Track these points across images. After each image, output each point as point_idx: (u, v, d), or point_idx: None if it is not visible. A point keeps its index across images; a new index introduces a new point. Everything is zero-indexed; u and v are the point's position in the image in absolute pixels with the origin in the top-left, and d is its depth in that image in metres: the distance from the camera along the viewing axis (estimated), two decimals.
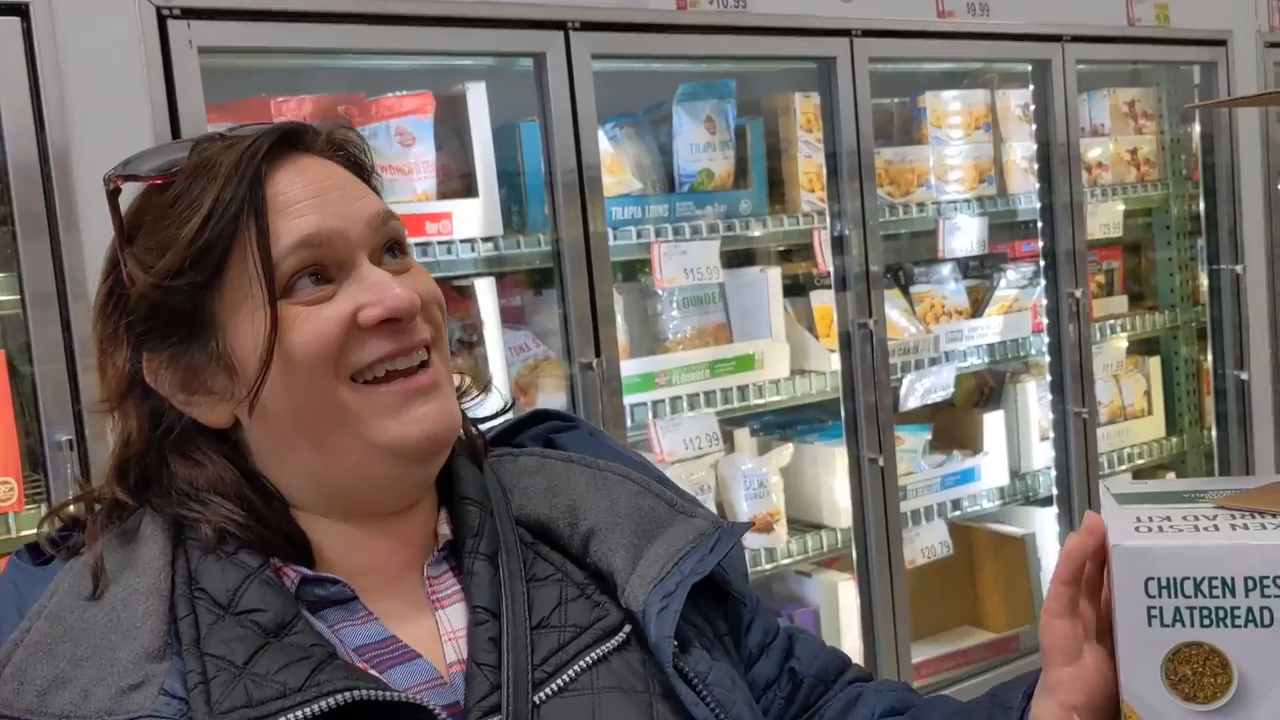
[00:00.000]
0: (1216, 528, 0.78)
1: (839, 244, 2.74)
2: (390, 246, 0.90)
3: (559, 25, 2.29)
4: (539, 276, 2.59)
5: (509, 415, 1.10)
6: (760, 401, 2.75)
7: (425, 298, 0.88)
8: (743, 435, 2.89)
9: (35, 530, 0.94)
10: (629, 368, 2.50)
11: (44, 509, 1.84)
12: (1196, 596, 0.75)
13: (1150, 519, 0.80)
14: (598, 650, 0.88)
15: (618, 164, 2.59)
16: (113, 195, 0.88)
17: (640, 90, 2.78)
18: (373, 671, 0.85)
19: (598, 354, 2.33)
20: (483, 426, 1.04)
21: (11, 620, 0.84)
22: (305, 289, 0.85)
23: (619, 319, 2.62)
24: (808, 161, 2.80)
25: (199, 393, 0.87)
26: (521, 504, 0.96)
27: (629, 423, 2.48)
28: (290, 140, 0.89)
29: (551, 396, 2.44)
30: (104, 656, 0.80)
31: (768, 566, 2.74)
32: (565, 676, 0.87)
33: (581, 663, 0.87)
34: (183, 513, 0.87)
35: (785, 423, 3.10)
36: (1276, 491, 0.83)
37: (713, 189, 2.73)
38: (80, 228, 1.78)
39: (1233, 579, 0.75)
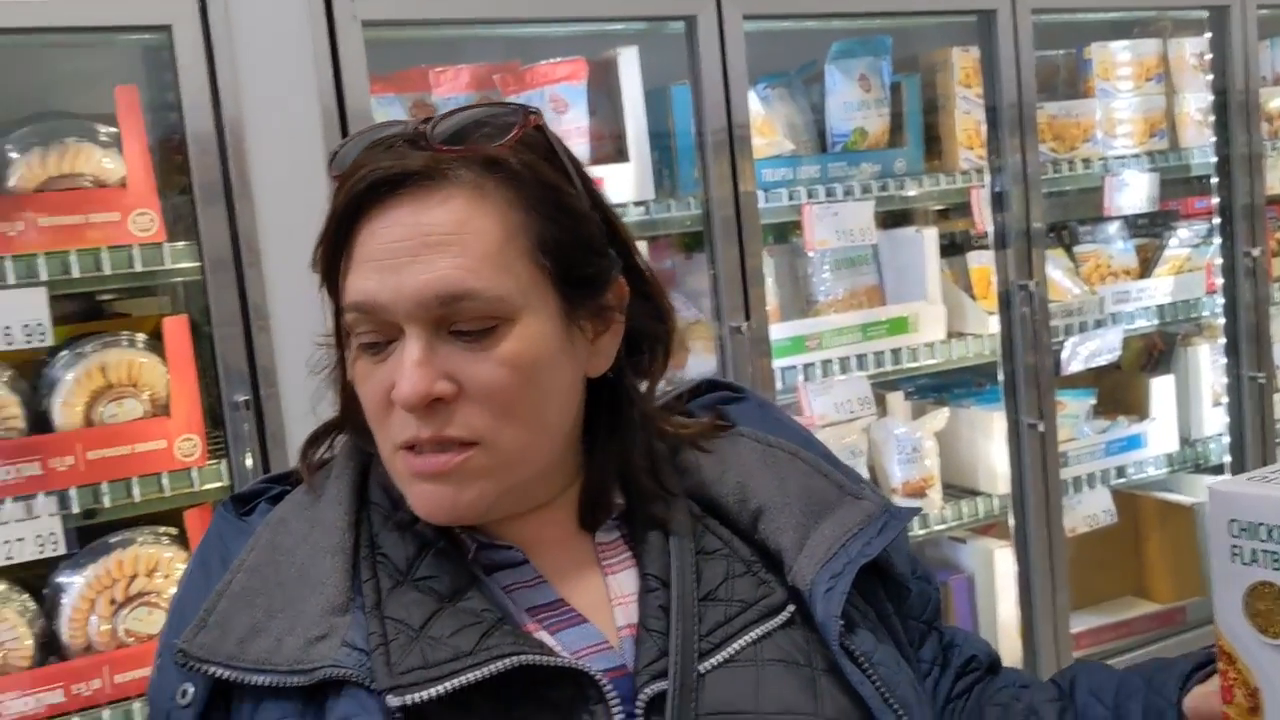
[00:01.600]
0: None
1: (998, 202, 2.67)
2: (456, 326, 0.85)
3: None
4: (690, 239, 2.60)
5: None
6: (914, 365, 2.70)
7: (469, 387, 0.84)
8: (896, 399, 2.85)
9: (222, 484, 1.01)
10: (779, 331, 2.50)
11: (224, 466, 1.96)
12: (1268, 541, 0.82)
13: (1272, 473, 0.86)
14: (763, 626, 0.89)
15: (769, 125, 2.57)
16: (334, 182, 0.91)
17: (792, 50, 2.75)
18: (543, 633, 0.88)
19: (747, 317, 2.33)
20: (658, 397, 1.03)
21: (216, 571, 0.90)
22: (367, 342, 0.86)
23: (769, 281, 2.61)
24: (966, 118, 2.73)
25: None
26: (694, 478, 0.97)
27: (779, 386, 2.47)
28: (399, 182, 0.84)
29: (701, 359, 2.45)
30: (294, 609, 0.86)
31: (921, 532, 2.70)
32: (731, 649, 0.87)
33: (747, 636, 0.88)
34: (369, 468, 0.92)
35: (941, 386, 3.04)
36: None
37: (866, 148, 2.69)
38: (253, 196, 1.88)
39: None
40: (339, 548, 0.88)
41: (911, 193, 2.70)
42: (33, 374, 1.97)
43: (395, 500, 0.91)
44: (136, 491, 1.92)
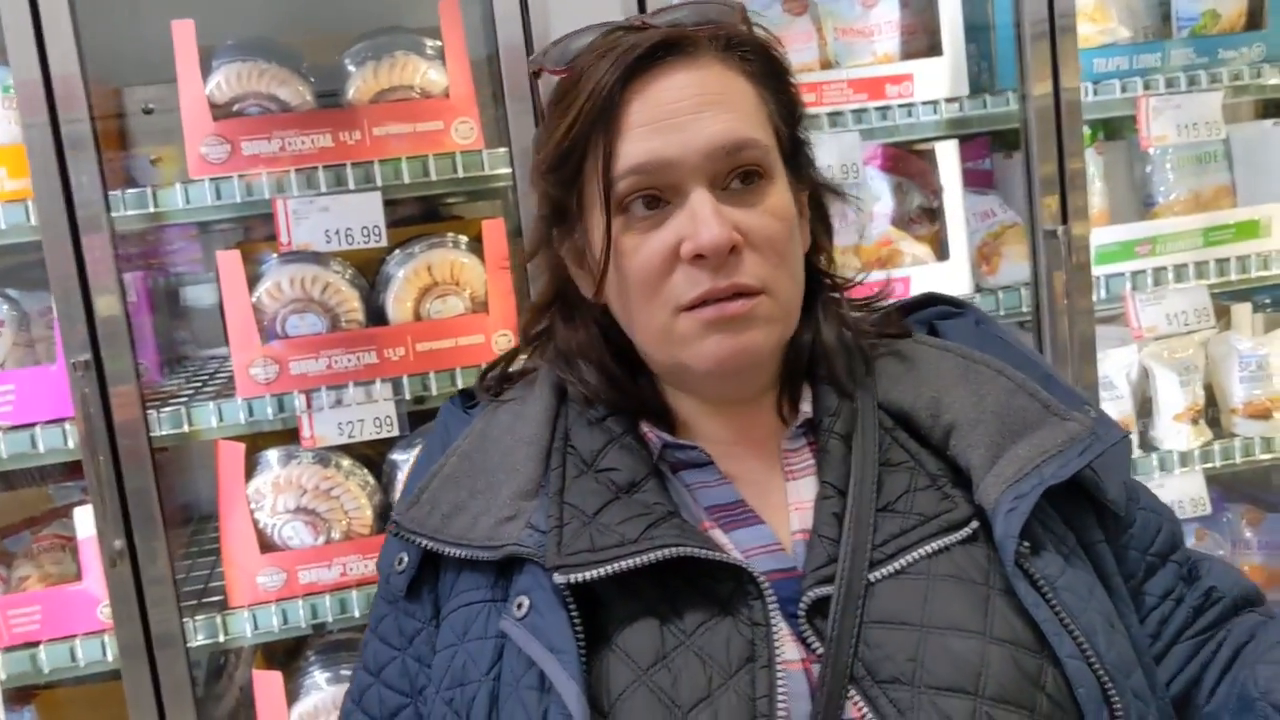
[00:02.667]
0: None
1: None
2: (744, 173, 0.89)
3: None
4: (1011, 137, 2.45)
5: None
6: (1265, 274, 2.44)
7: (752, 237, 0.87)
8: (1242, 311, 2.59)
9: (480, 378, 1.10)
10: (1105, 235, 2.33)
11: None
12: None
13: None
14: (940, 540, 0.88)
15: (1102, 10, 2.36)
16: (533, 78, 0.98)
17: None
18: (717, 530, 0.91)
19: (1064, 220, 2.19)
20: (879, 306, 1.05)
21: (437, 455, 1.00)
22: (639, 211, 0.89)
23: (1098, 182, 2.44)
24: None
25: (582, 267, 0.97)
26: (888, 389, 0.97)
27: (1102, 294, 2.32)
28: (665, 49, 0.88)
29: (1016, 265, 2.34)
30: (492, 492, 0.93)
31: (1264, 457, 2.47)
32: (904, 560, 0.87)
33: (922, 549, 0.88)
34: (559, 374, 0.98)
35: None
36: None
37: (1218, 33, 2.42)
38: None
39: None
40: (535, 439, 0.95)
41: (1271, 82, 2.40)
42: (371, 272, 2.17)
43: (590, 398, 0.96)
44: (459, 380, 2.09)
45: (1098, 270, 2.28)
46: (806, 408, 0.97)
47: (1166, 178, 2.52)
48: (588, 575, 0.86)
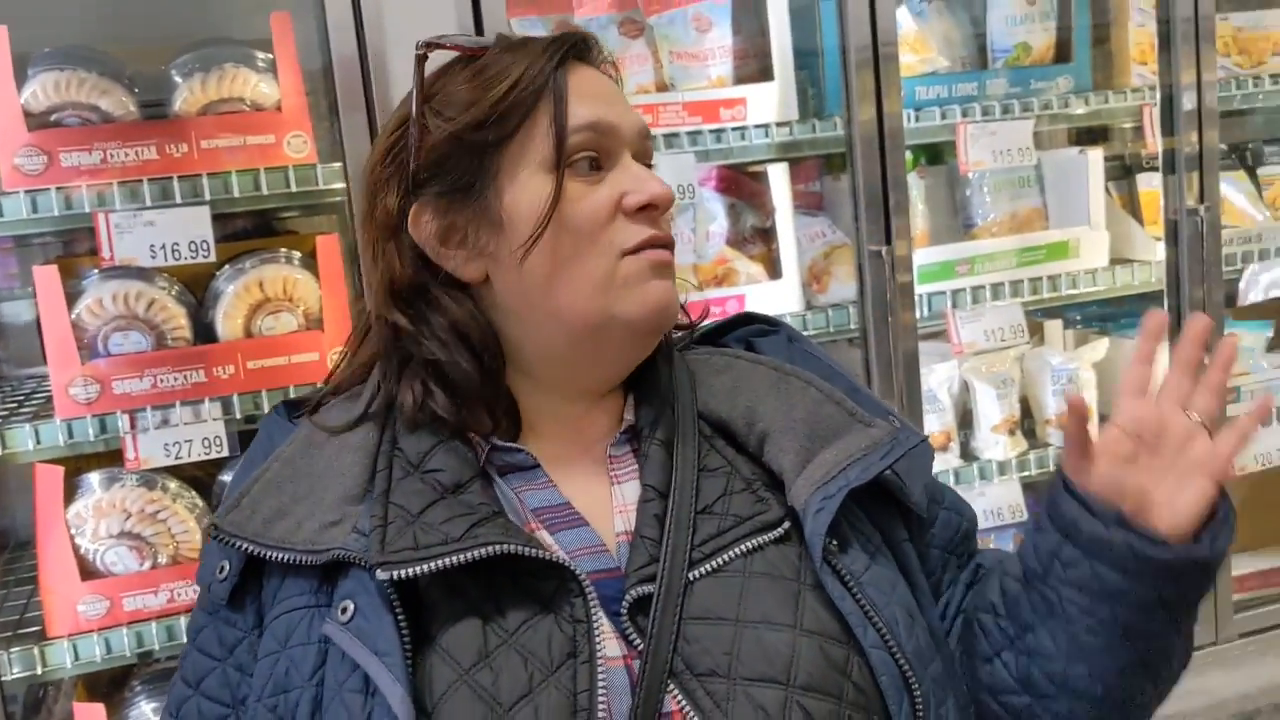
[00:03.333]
0: None
1: (1171, 122, 2.51)
2: (645, 161, 1.00)
3: None
4: (838, 161, 2.55)
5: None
6: (1074, 292, 2.59)
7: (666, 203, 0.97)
8: (1054, 327, 2.76)
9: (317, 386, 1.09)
10: (926, 255, 2.44)
11: None
12: None
13: None
14: (755, 540, 0.93)
15: (922, 41, 2.48)
16: (420, 60, 0.99)
17: None
18: (542, 532, 0.94)
19: (887, 240, 2.29)
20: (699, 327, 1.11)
21: (259, 461, 1.00)
22: (581, 169, 0.95)
23: (920, 205, 2.55)
24: (1140, 31, 2.57)
25: (456, 245, 0.97)
26: (706, 400, 1.02)
27: (925, 311, 2.42)
28: (582, 47, 0.99)
29: (844, 284, 2.42)
30: (316, 496, 0.94)
31: None
32: (720, 559, 0.92)
33: (738, 549, 0.92)
34: (429, 352, 0.97)
35: (1105, 315, 2.91)
36: None
37: (1030, 64, 2.57)
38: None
39: None
40: (362, 444, 0.96)
41: (1077, 111, 2.57)
42: (200, 289, 2.11)
43: (418, 401, 0.97)
44: None
45: (920, 289, 2.38)
46: (630, 415, 1.01)
47: (984, 201, 2.65)
48: (410, 571, 0.86)
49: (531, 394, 1.00)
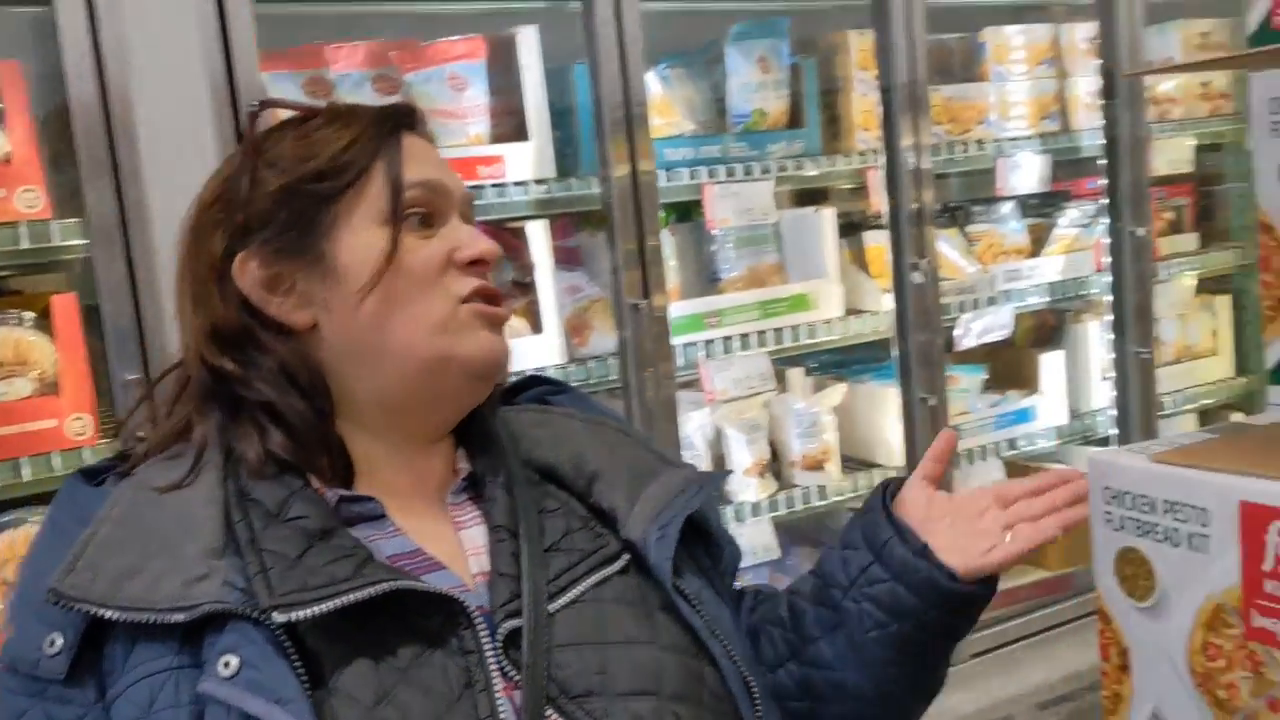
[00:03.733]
0: None
1: (893, 183, 2.73)
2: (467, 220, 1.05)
3: None
4: (594, 217, 2.62)
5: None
6: (813, 341, 2.76)
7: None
8: (796, 375, 2.92)
9: (111, 441, 1.05)
10: (679, 309, 2.54)
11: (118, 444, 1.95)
12: (1133, 509, 0.90)
13: (1151, 446, 0.96)
14: (602, 572, 0.99)
15: (669, 105, 2.60)
16: (253, 116, 1.02)
17: (692, 31, 2.78)
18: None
19: (645, 295, 2.37)
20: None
21: (71, 529, 0.93)
22: (414, 224, 0.99)
23: (672, 260, 2.65)
24: (863, 100, 2.79)
25: (282, 294, 0.98)
26: (530, 450, 1.08)
27: (680, 362, 2.52)
28: (411, 117, 1.05)
29: (604, 336, 2.49)
30: (171, 553, 0.90)
31: (820, 504, 2.77)
32: (575, 591, 0.97)
33: (589, 581, 0.98)
34: (260, 394, 0.97)
35: (839, 362, 3.11)
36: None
37: (767, 129, 2.73)
38: (141, 172, 1.86)
39: None
40: (212, 497, 0.94)
41: (811, 173, 2.75)
42: None
43: (265, 453, 0.96)
44: (26, 471, 1.91)
45: (675, 340, 2.47)
46: (465, 465, 1.06)
47: (728, 256, 2.79)
48: (310, 612, 0.86)
49: (362, 441, 1.01)
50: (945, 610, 1.02)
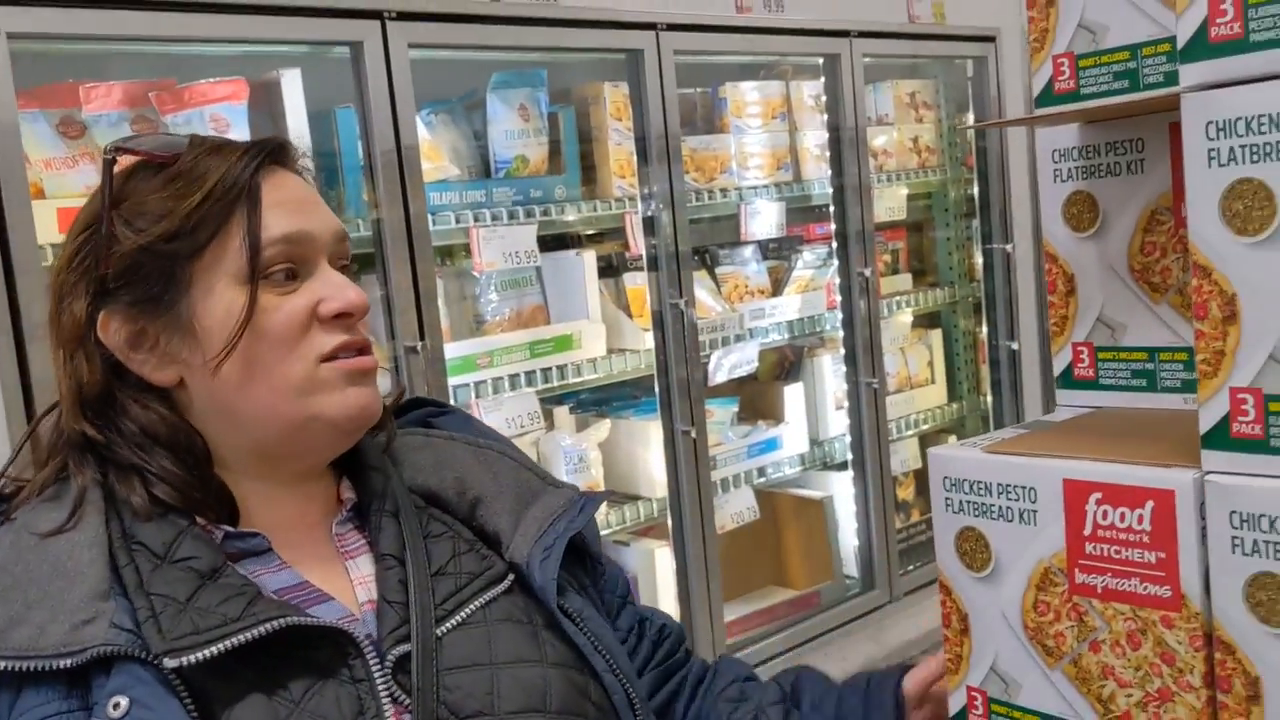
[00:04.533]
0: None
1: (650, 227, 2.87)
2: (342, 264, 1.01)
3: (375, 14, 2.32)
4: (357, 261, 2.60)
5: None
6: (578, 380, 2.85)
7: (361, 312, 1.00)
8: (562, 413, 2.99)
9: None
10: (451, 350, 2.56)
11: None
12: (970, 493, 0.96)
13: (982, 440, 1.07)
14: (489, 593, 1.01)
15: (434, 150, 2.63)
16: (108, 164, 0.95)
17: (454, 78, 2.83)
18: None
19: (421, 337, 2.38)
20: None
21: None
22: (277, 279, 0.95)
23: (441, 304, 2.67)
24: (618, 148, 2.92)
25: (147, 351, 0.95)
26: (412, 475, 1.08)
27: (453, 403, 2.53)
28: (279, 153, 1.00)
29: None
30: (55, 599, 0.87)
31: (606, 532, 2.84)
32: (463, 614, 0.98)
33: (476, 602, 1.00)
34: (127, 458, 0.95)
35: (602, 400, 3.22)
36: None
37: (528, 174, 2.81)
38: None
39: None
40: (94, 540, 0.91)
41: (571, 217, 2.85)
42: None
43: (149, 495, 0.94)
44: None
45: (449, 381, 2.50)
46: (350, 494, 1.05)
47: (492, 299, 2.84)
48: (202, 655, 0.85)
49: (240, 483, 1.00)
50: None
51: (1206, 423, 0.91)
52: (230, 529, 0.97)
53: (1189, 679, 0.93)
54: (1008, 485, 1.01)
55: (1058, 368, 1.20)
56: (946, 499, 1.04)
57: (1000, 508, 1.02)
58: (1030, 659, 1.01)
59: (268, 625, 0.87)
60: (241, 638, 0.86)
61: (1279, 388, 0.88)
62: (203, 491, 0.96)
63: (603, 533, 2.89)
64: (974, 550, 1.04)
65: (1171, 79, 1.03)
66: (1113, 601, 0.95)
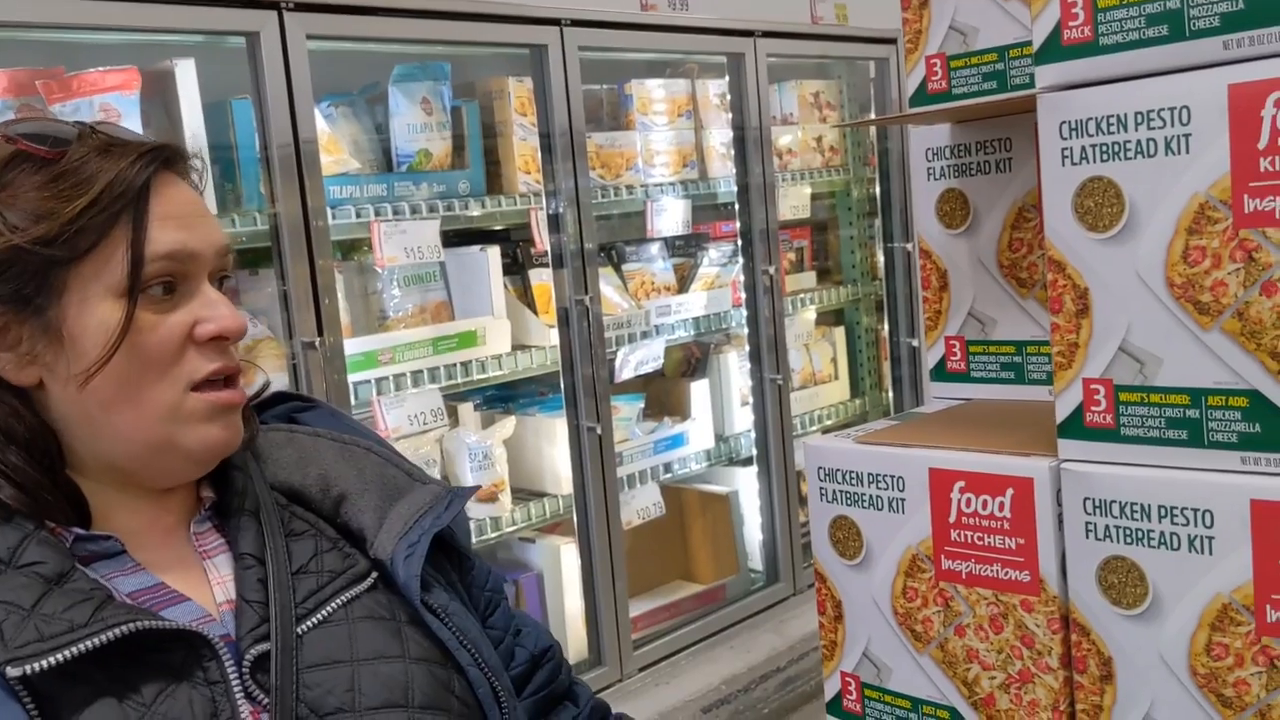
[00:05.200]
0: None
1: (555, 224, 2.87)
2: (221, 276, 0.99)
3: (272, 4, 2.29)
4: (254, 255, 2.57)
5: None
6: (483, 376, 2.84)
7: (237, 333, 0.98)
8: (466, 410, 2.98)
9: None
10: (351, 346, 2.54)
11: None
12: (843, 483, 0.95)
13: (855, 430, 1.08)
14: (351, 591, 1.00)
15: (334, 143, 2.61)
16: None
17: (355, 70, 2.80)
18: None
19: (320, 333, 2.36)
20: None
21: None
22: (154, 294, 0.93)
23: (341, 299, 2.65)
24: (523, 144, 2.91)
25: (9, 349, 0.92)
26: (275, 473, 1.06)
27: (353, 400, 2.52)
28: (174, 159, 0.96)
29: (273, 376, 2.43)
30: None
31: (493, 535, 2.84)
32: (324, 612, 0.97)
33: (338, 600, 0.99)
34: None
35: (507, 396, 3.21)
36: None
37: (431, 169, 2.80)
38: None
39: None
40: None
41: (475, 213, 2.84)
42: None
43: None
44: None
45: (349, 377, 2.47)
46: (209, 493, 1.03)
47: (395, 294, 2.82)
48: (46, 663, 0.82)
49: (95, 490, 0.97)
50: None
51: (1062, 412, 0.94)
52: (82, 531, 0.94)
53: (1047, 660, 0.96)
54: (878, 475, 1.04)
55: (931, 361, 1.23)
56: (821, 489, 1.07)
57: (871, 496, 1.05)
58: (900, 644, 1.04)
59: (116, 631, 0.85)
60: (88, 644, 0.84)
61: (1128, 378, 0.91)
62: (54, 494, 0.93)
63: (508, 530, 2.91)
64: (847, 539, 1.06)
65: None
66: (976, 586, 0.98)
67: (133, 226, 0.92)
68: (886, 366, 3.94)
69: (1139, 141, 0.88)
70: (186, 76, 2.35)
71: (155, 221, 0.93)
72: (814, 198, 3.78)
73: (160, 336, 0.93)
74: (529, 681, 1.17)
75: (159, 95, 2.37)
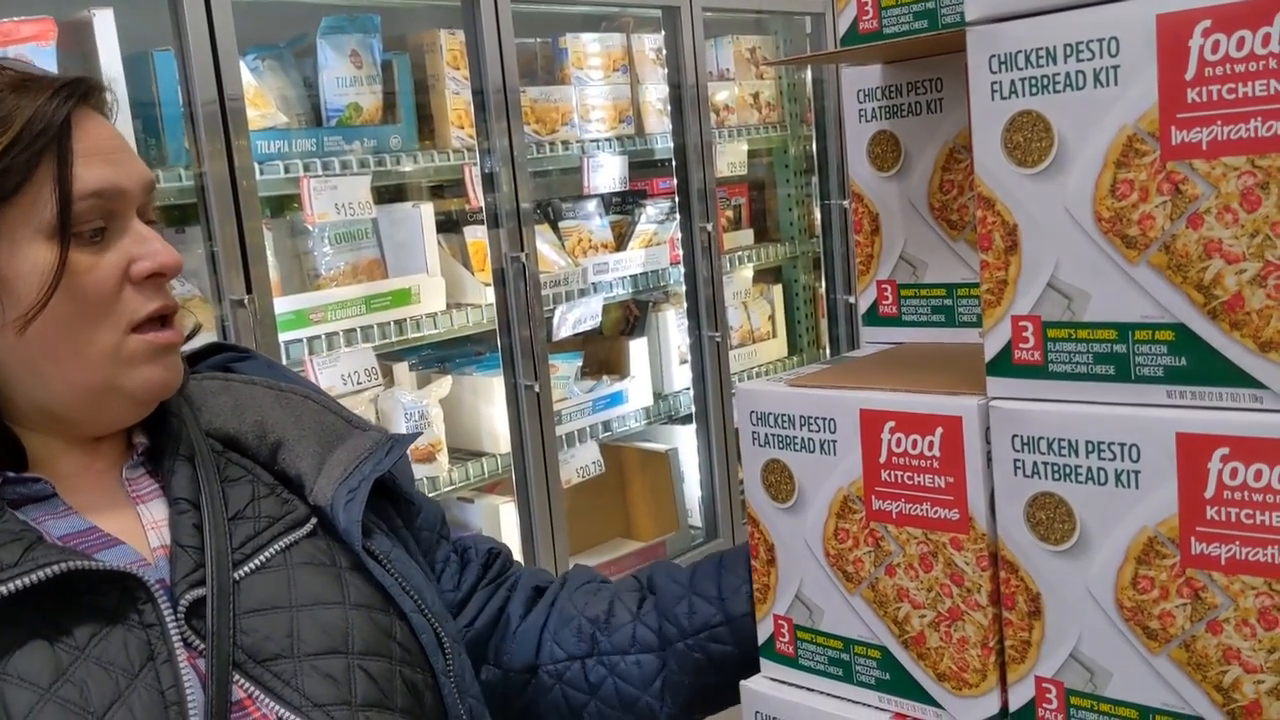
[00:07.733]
0: None
1: (490, 180, 2.83)
2: (148, 214, 0.97)
3: None
4: (180, 212, 2.51)
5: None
6: (418, 335, 2.81)
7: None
8: (401, 369, 2.94)
9: None
10: (282, 305, 2.49)
11: None
12: (775, 426, 1.00)
13: (788, 375, 1.07)
14: (289, 537, 0.99)
15: (261, 96, 2.54)
16: None
17: (282, 22, 2.74)
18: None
19: (249, 291, 2.31)
20: None
21: None
22: (86, 235, 0.91)
23: (270, 256, 2.59)
24: (456, 98, 2.87)
25: None
26: (210, 419, 1.05)
27: (285, 359, 2.47)
28: (93, 94, 0.93)
29: (201, 335, 2.38)
30: None
31: (431, 495, 2.82)
32: (262, 557, 0.97)
33: (276, 546, 0.98)
34: None
35: (443, 356, 3.18)
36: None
37: (361, 124, 2.74)
38: None
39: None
40: None
41: (407, 169, 2.79)
42: None
43: None
44: None
45: (280, 336, 2.43)
46: (142, 439, 1.01)
47: (326, 252, 2.77)
48: None
49: (29, 435, 0.95)
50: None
51: (991, 350, 0.94)
52: (11, 474, 0.93)
53: (977, 598, 0.97)
54: (809, 418, 1.03)
55: (863, 306, 1.22)
56: (754, 433, 1.06)
57: (802, 439, 1.04)
58: (832, 585, 1.04)
59: (46, 570, 0.84)
60: (18, 584, 0.83)
61: (1056, 315, 0.91)
62: None
63: (446, 490, 2.89)
64: (779, 482, 1.06)
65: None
66: (906, 526, 0.98)
67: (57, 164, 0.89)
68: (824, 324, 3.96)
69: (1068, 74, 0.87)
70: (105, 27, 2.28)
71: (80, 159, 0.90)
72: (751, 155, 3.77)
73: (97, 277, 0.91)
74: (481, 578, 1.18)
75: (77, 47, 2.29)
